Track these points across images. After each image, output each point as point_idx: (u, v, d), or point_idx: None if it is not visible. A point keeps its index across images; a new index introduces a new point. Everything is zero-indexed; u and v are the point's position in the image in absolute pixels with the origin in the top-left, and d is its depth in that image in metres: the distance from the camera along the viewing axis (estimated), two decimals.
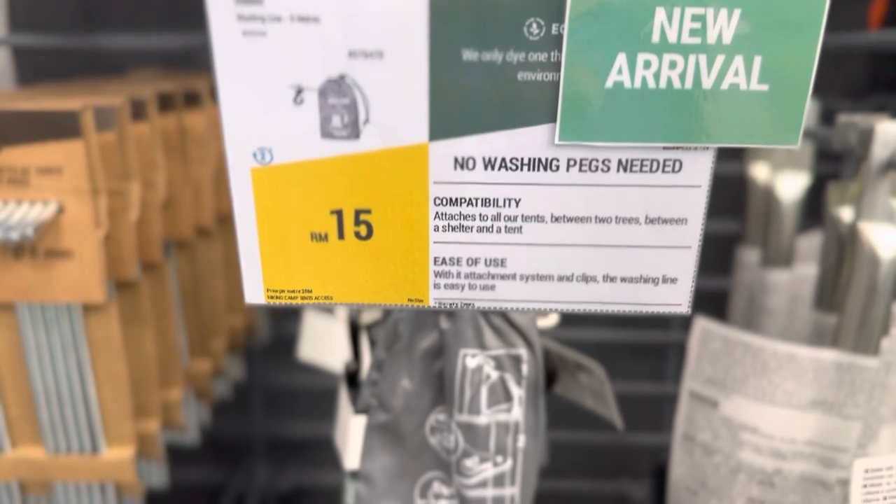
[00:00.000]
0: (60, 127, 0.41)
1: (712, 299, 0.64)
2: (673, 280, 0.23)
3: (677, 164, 0.22)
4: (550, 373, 0.43)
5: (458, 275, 0.24)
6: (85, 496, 0.48)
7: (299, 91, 0.21)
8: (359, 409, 0.38)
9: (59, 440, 0.46)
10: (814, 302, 0.45)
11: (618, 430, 0.42)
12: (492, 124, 0.21)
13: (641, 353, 0.83)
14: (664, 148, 0.22)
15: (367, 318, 0.41)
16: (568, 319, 0.69)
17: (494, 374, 0.36)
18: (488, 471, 0.36)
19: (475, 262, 0.23)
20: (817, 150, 0.52)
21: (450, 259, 0.23)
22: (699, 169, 0.22)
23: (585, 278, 0.23)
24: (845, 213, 0.42)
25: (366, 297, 0.24)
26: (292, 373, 0.81)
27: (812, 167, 0.51)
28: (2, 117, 0.41)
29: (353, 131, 0.22)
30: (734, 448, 0.40)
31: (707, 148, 0.21)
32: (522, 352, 0.36)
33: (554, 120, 0.21)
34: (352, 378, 0.40)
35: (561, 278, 0.23)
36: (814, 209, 0.51)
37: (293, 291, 0.23)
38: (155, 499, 0.60)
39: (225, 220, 0.61)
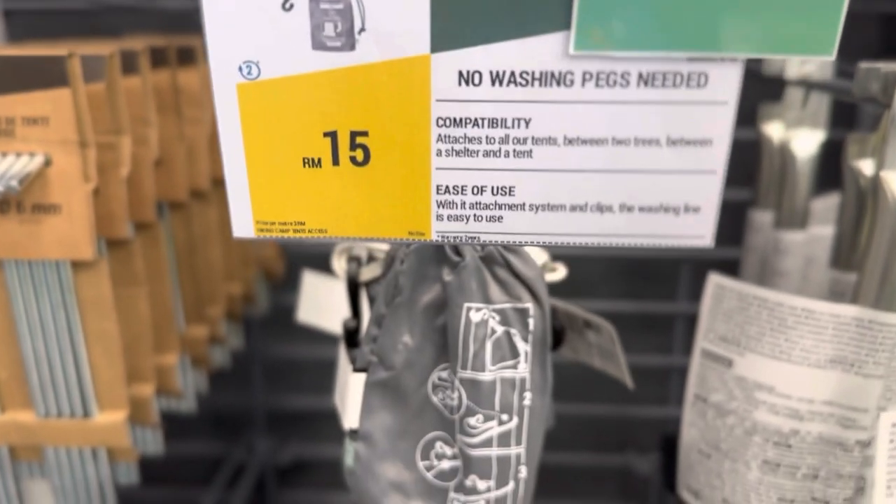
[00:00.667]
0: (47, 74, 0.39)
1: (723, 268, 0.62)
2: (695, 209, 0.21)
3: (703, 78, 0.20)
4: (558, 332, 0.41)
5: (463, 205, 0.22)
6: (77, 461, 0.47)
7: None
8: (358, 367, 0.37)
9: (50, 404, 0.45)
10: (831, 260, 0.44)
11: (627, 389, 0.40)
12: (500, 33, 0.20)
13: (649, 324, 0.81)
14: (689, 59, 0.20)
15: (367, 274, 0.39)
16: (574, 289, 0.68)
17: (500, 329, 0.34)
18: (493, 429, 0.35)
19: (481, 190, 0.22)
20: (832, 110, 0.50)
21: (453, 187, 0.22)
22: (726, 84, 0.20)
23: (601, 208, 0.22)
24: (866, 166, 0.40)
25: (363, 229, 0.22)
26: (293, 345, 0.79)
27: (828, 125, 0.50)
28: None
29: (348, 41, 0.20)
30: (749, 408, 0.39)
31: (735, 60, 0.20)
32: (529, 306, 0.34)
33: (568, 27, 0.19)
34: (351, 336, 0.39)
35: (574, 208, 0.22)
36: (828, 173, 0.49)
37: (284, 223, 0.22)
38: (154, 470, 0.59)
39: (221, 185, 0.60)
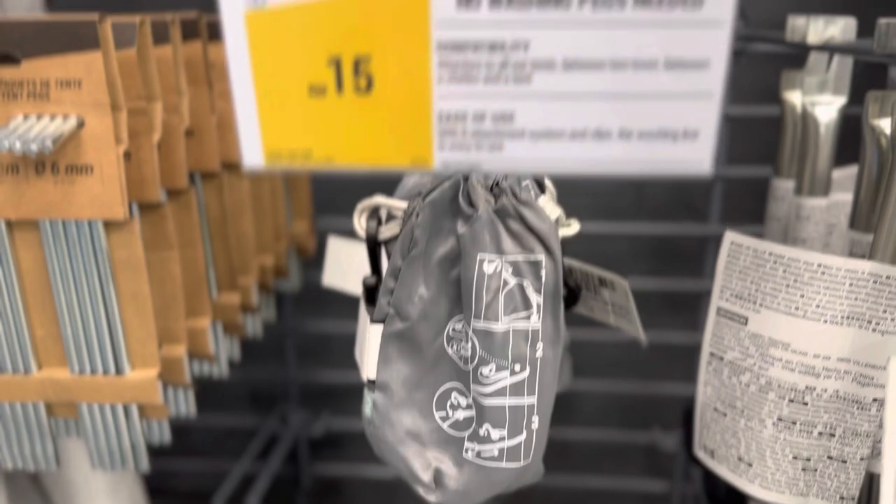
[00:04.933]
0: (79, 38, 0.41)
1: None
2: (694, 134, 0.22)
3: None
4: (574, 290, 0.42)
5: (464, 132, 0.23)
6: (110, 418, 0.48)
7: None
8: (376, 318, 0.37)
9: (84, 361, 0.47)
10: (850, 221, 0.43)
11: (641, 346, 0.41)
12: None
13: (675, 303, 0.81)
14: None
15: (386, 233, 0.40)
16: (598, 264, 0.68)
17: (512, 280, 0.35)
18: (506, 379, 0.35)
19: (482, 117, 0.22)
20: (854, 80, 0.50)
21: (455, 114, 0.22)
22: (721, 4, 0.20)
23: (599, 134, 0.22)
24: (886, 125, 0.40)
25: (367, 157, 0.23)
26: (325, 320, 0.81)
27: (850, 92, 0.49)
28: (20, 28, 0.41)
29: None
30: (764, 365, 0.39)
31: None
32: (542, 258, 0.35)
33: None
34: (370, 293, 0.40)
35: (574, 135, 0.22)
36: (849, 143, 0.49)
37: (293, 151, 0.23)
38: (190, 440, 0.60)
39: None
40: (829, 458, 0.39)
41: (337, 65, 0.21)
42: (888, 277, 0.36)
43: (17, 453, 0.49)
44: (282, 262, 0.68)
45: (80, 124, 0.42)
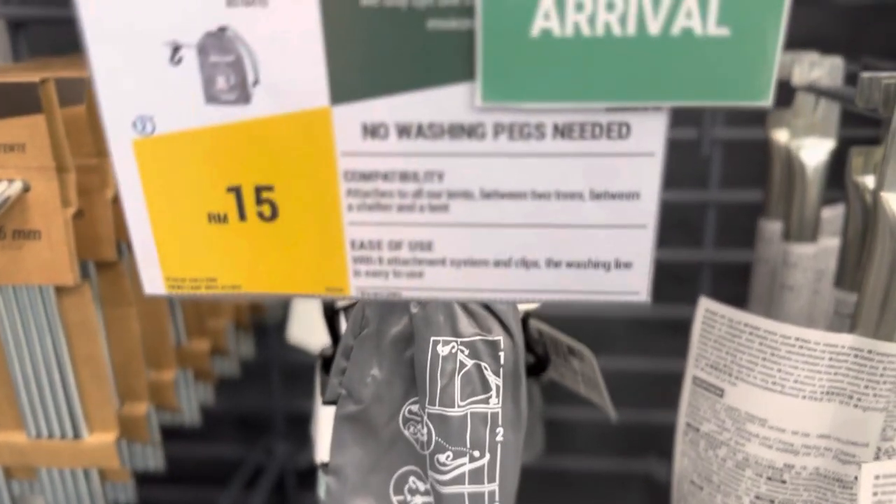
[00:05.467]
0: (21, 101, 0.39)
1: (741, 274, 0.60)
2: (627, 265, 0.20)
3: (624, 129, 0.18)
4: (543, 358, 0.40)
5: (380, 260, 0.21)
6: (70, 482, 0.47)
7: (176, 48, 0.18)
8: (327, 399, 0.36)
9: (41, 425, 0.45)
10: (835, 279, 0.41)
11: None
12: (403, 84, 0.18)
13: (672, 328, 0.79)
14: (607, 109, 0.18)
15: (344, 301, 0.38)
16: None
17: (469, 363, 0.33)
18: (464, 466, 0.33)
19: (398, 245, 0.20)
20: (847, 114, 0.47)
21: (368, 242, 0.20)
22: (651, 134, 0.18)
23: (525, 263, 0.20)
24: (871, 181, 0.38)
25: (278, 286, 0.21)
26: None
27: (838, 133, 0.47)
28: None
29: (242, 94, 0.19)
30: (741, 441, 0.37)
31: (659, 108, 0.18)
32: (500, 338, 0.33)
33: (473, 77, 0.18)
34: (327, 365, 0.38)
35: (497, 263, 0.20)
36: (840, 180, 0.47)
37: (195, 280, 0.21)
38: (174, 470, 0.59)
39: None
40: None
41: (237, 192, 0.20)
42: (870, 352, 0.34)
43: None
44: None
45: (26, 188, 0.40)
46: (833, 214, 0.49)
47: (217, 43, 0.18)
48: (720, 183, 0.70)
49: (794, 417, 0.35)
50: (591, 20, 0.17)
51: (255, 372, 0.72)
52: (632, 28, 0.17)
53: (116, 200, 0.44)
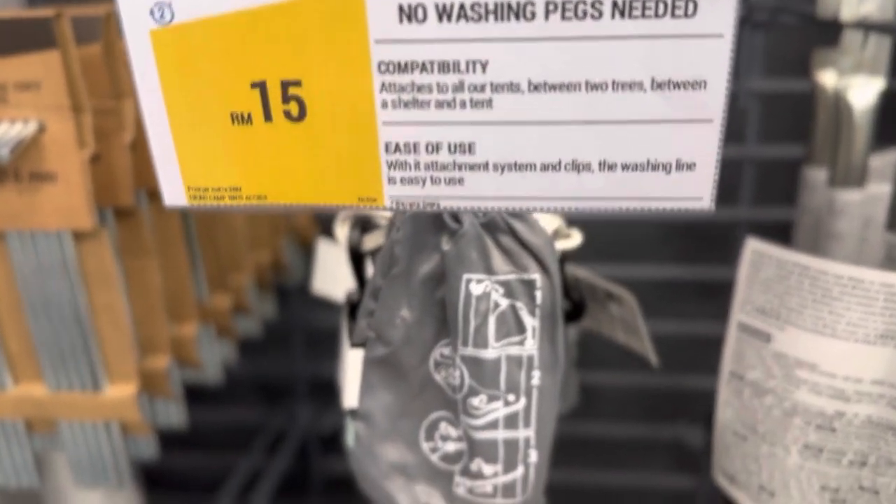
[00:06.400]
0: (35, 37, 0.37)
1: (782, 231, 0.57)
2: (690, 166, 0.18)
3: (690, 6, 0.16)
4: (579, 304, 0.38)
5: (417, 165, 0.19)
6: (91, 435, 0.46)
7: None
8: (355, 342, 0.34)
9: (60, 377, 0.44)
10: (886, 222, 0.39)
11: (651, 366, 0.37)
12: None
13: (702, 291, 0.77)
14: None
15: (370, 243, 0.36)
16: (622, 252, 0.64)
17: (504, 302, 0.31)
18: (498, 410, 0.32)
19: (436, 147, 0.19)
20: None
21: (405, 145, 0.19)
22: (720, 12, 0.16)
23: (576, 166, 0.18)
24: None
25: (306, 195, 0.19)
26: (333, 312, 0.78)
27: (887, 72, 0.44)
28: None
29: None
30: (789, 388, 0.35)
31: None
32: (536, 276, 0.31)
33: None
34: (354, 310, 0.36)
35: (545, 167, 0.18)
36: (889, 128, 0.45)
37: (218, 189, 0.19)
38: (195, 436, 0.58)
39: None
40: (861, 488, 0.35)
41: (262, 88, 0.18)
42: None
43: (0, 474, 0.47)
44: (281, 257, 0.65)
45: (42, 129, 0.39)
46: (883, 163, 0.46)
47: None
48: (758, 138, 0.68)
49: (847, 362, 0.34)
50: None
51: (276, 335, 0.71)
52: None
53: (135, 145, 0.43)
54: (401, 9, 0.17)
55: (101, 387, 0.44)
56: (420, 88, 0.18)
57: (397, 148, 0.19)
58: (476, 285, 0.31)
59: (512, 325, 0.31)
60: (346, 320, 0.37)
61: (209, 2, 0.17)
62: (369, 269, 0.37)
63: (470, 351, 0.31)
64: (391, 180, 0.19)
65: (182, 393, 0.50)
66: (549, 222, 0.33)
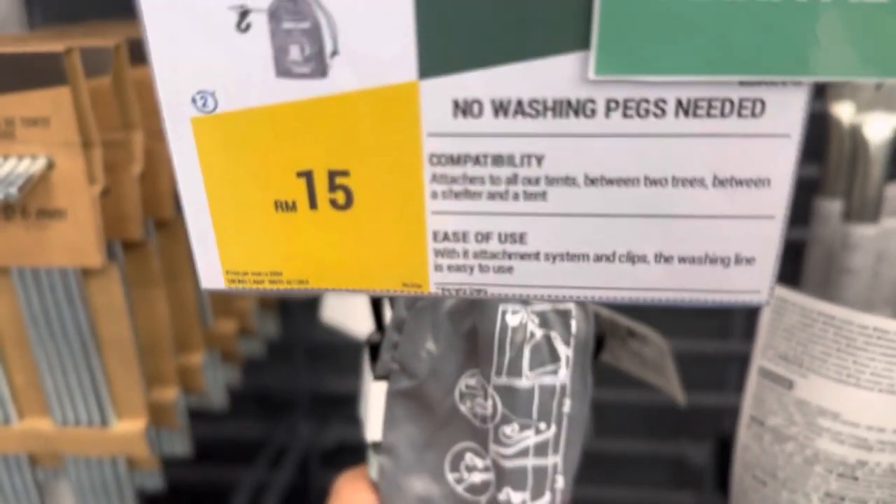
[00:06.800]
0: (44, 72, 0.37)
1: (789, 250, 0.57)
2: (749, 260, 0.18)
3: (758, 106, 0.16)
4: (599, 338, 0.38)
5: (466, 253, 0.18)
6: (96, 469, 0.45)
7: (244, 13, 0.16)
8: (378, 374, 0.34)
9: (67, 412, 0.43)
10: None
11: (678, 406, 0.37)
12: (502, 54, 0.16)
13: (705, 308, 0.77)
14: (741, 84, 0.16)
15: None
16: None
17: (539, 333, 0.31)
18: (529, 438, 0.32)
19: (486, 237, 0.18)
20: None
21: (453, 234, 0.18)
22: (788, 112, 0.16)
23: (631, 258, 0.18)
24: None
25: (349, 280, 0.19)
26: (335, 329, 0.77)
27: None
28: None
29: (318, 66, 0.16)
30: (810, 435, 0.35)
31: (799, 84, 0.16)
32: (571, 307, 0.31)
33: (586, 46, 0.15)
34: (374, 350, 0.36)
35: (598, 258, 0.18)
36: None
37: (258, 274, 0.19)
38: (197, 449, 0.57)
39: None
40: None
41: (308, 177, 0.17)
42: None
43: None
44: None
45: (50, 165, 0.38)
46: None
47: (291, 7, 0.16)
48: None
49: (870, 411, 0.33)
50: None
51: (278, 351, 0.70)
52: None
53: (143, 177, 0.42)
54: (456, 104, 0.16)
55: (108, 422, 0.43)
56: (472, 180, 0.17)
57: (445, 236, 0.18)
58: (512, 316, 0.30)
59: (546, 355, 0.31)
60: (366, 358, 0.36)
61: (255, 93, 0.17)
62: (386, 308, 0.37)
63: (504, 380, 0.31)
64: (437, 267, 0.19)
65: (187, 422, 0.49)
66: None
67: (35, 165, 0.37)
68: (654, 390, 0.77)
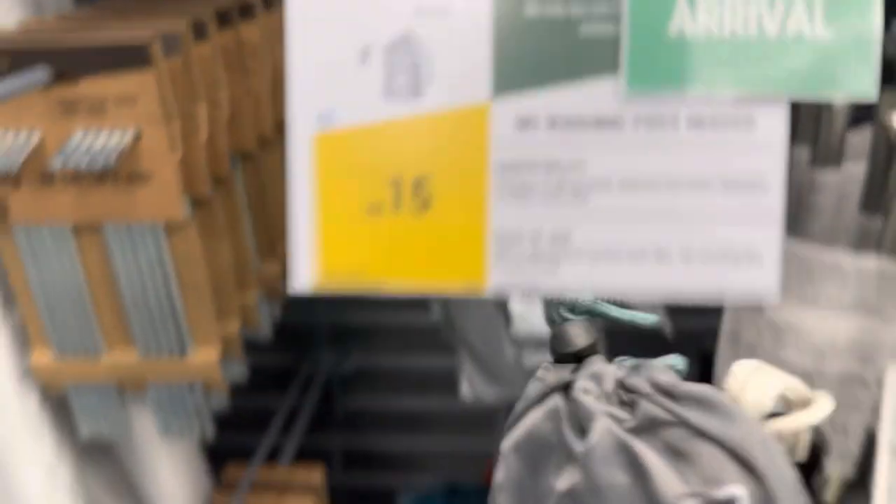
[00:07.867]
0: (132, 58, 0.43)
1: None
2: (757, 256, 0.24)
3: (749, 119, 0.22)
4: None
5: (520, 254, 0.24)
6: (176, 394, 0.52)
7: (367, 50, 0.22)
8: None
9: (150, 344, 0.51)
10: (860, 204, 0.46)
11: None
12: (557, 77, 0.22)
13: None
14: (734, 101, 0.22)
15: None
16: None
17: None
18: None
19: (538, 236, 0.24)
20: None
21: (511, 234, 0.24)
22: (772, 123, 0.22)
23: (659, 255, 0.24)
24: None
25: (419, 279, 0.23)
26: None
27: None
28: (79, 51, 0.43)
29: (416, 90, 0.23)
30: (776, 348, 0.43)
31: (779, 100, 0.22)
32: (736, 492, 0.22)
33: (618, 71, 0.22)
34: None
35: (631, 255, 0.24)
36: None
37: (349, 271, 0.24)
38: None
39: (282, 129, 0.63)
40: (833, 428, 0.43)
41: (397, 184, 0.24)
42: (893, 273, 0.39)
43: (93, 427, 0.54)
44: None
45: (138, 137, 0.44)
46: (860, 140, 0.53)
47: (403, 45, 0.22)
48: None
49: (825, 327, 0.41)
50: (719, 23, 0.21)
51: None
52: (753, 29, 0.21)
53: (208, 143, 0.49)
54: (518, 119, 0.23)
55: (187, 352, 0.51)
56: (527, 185, 0.24)
57: (503, 237, 0.24)
58: None
59: None
60: None
61: (366, 112, 0.23)
62: None
63: None
64: (495, 267, 0.24)
65: (243, 351, 0.57)
66: (764, 391, 0.26)
67: (125, 138, 0.44)
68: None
